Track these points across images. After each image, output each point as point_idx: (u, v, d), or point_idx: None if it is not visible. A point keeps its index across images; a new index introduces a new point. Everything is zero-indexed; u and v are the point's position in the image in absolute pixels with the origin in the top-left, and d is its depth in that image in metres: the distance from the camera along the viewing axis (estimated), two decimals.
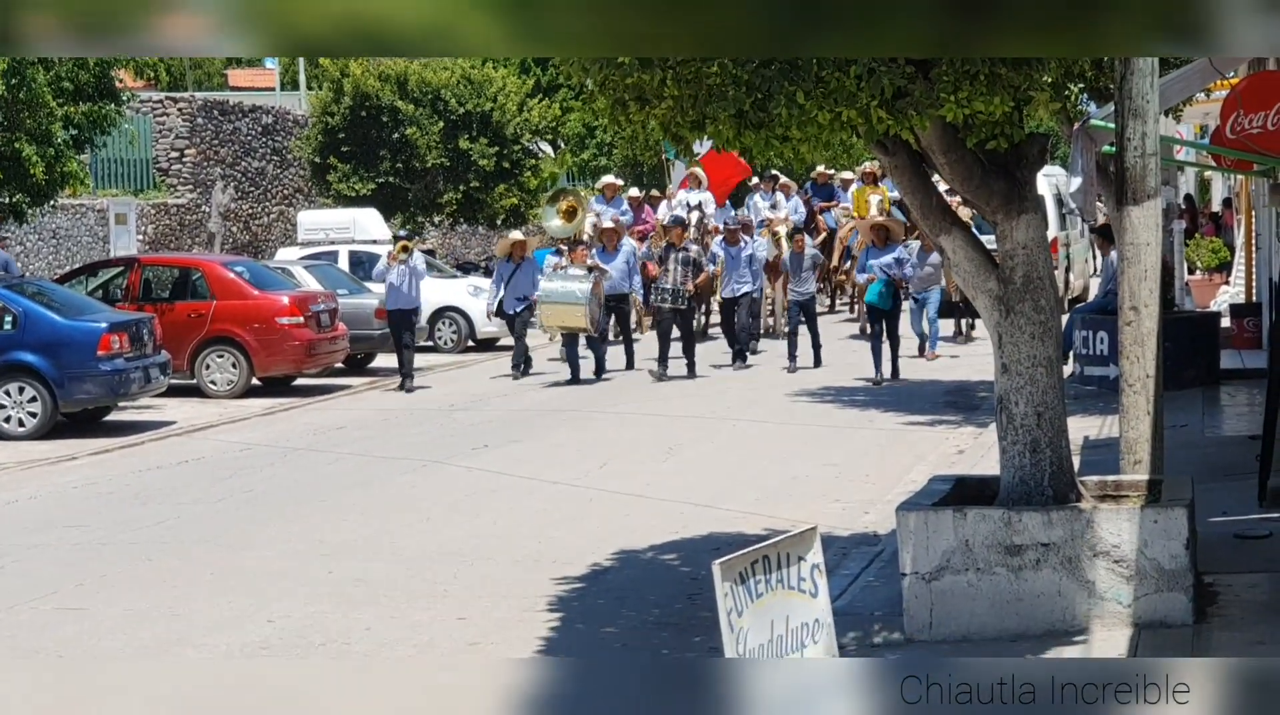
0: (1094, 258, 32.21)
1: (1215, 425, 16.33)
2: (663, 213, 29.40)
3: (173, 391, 21.65)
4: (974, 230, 10.92)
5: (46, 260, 29.95)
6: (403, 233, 24.92)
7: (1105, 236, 20.83)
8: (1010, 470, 9.35)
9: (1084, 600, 8.92)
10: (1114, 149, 13.20)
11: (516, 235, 25.11)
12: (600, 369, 23.49)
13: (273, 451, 17.81)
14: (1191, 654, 8.32)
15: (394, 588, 11.15)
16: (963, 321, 26.59)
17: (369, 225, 30.65)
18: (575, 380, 22.84)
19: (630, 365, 24.46)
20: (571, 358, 23.08)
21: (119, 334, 19.57)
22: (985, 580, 8.99)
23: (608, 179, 32.52)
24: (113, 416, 20.92)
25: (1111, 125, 12.65)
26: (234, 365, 22.82)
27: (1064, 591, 8.93)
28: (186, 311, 22.91)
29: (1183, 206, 29.99)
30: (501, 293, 24.02)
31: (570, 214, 27.42)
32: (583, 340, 23.50)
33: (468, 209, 36.26)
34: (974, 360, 23.10)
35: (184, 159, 36.02)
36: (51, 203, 24.63)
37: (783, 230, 26.74)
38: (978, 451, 15.62)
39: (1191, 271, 29.04)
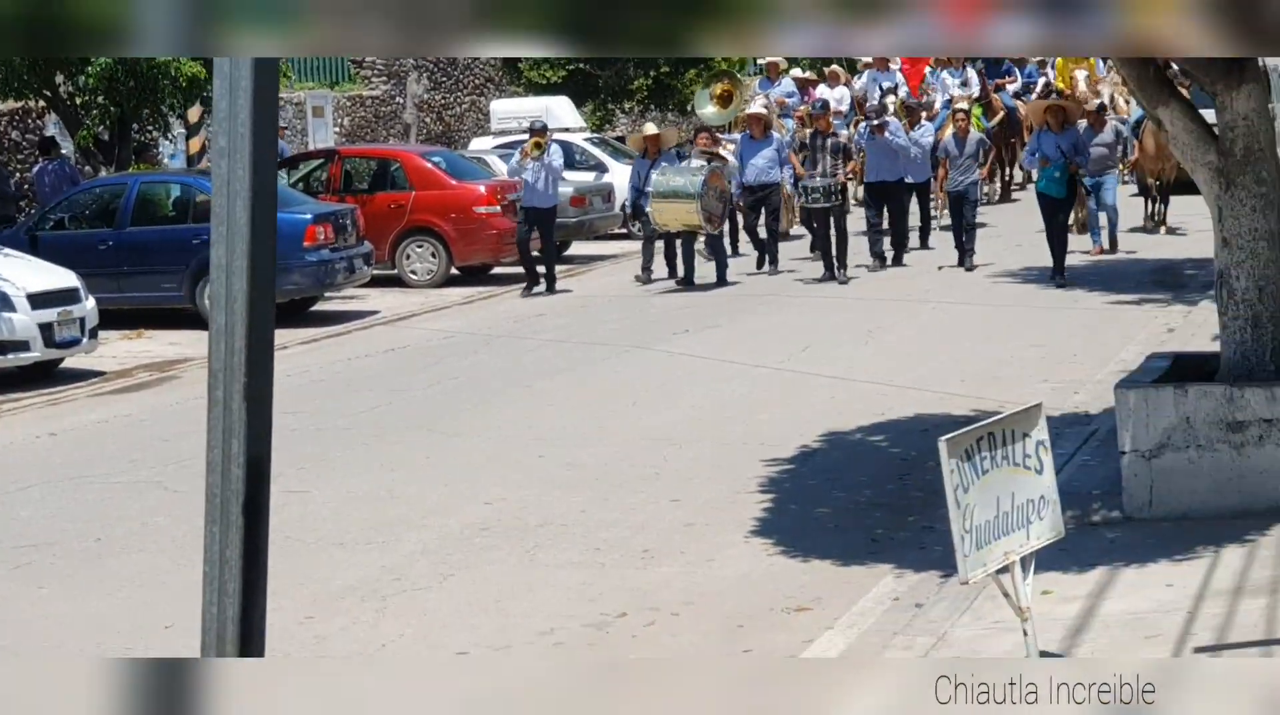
0: None
1: None
2: (858, 88, 28.20)
3: (374, 282, 22.03)
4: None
5: None
6: (538, 124, 22.61)
7: None
8: (1231, 346, 9.20)
9: None
10: None
11: (650, 129, 23.17)
12: (722, 274, 21.09)
13: (475, 339, 18.07)
14: None
15: (605, 471, 11.30)
16: (1154, 208, 23.95)
17: (561, 113, 30.71)
18: (688, 284, 20.83)
19: (774, 262, 21.92)
20: (687, 257, 21.04)
21: (323, 225, 19.93)
22: (1207, 457, 8.89)
23: (771, 58, 29.46)
24: (318, 307, 21.34)
25: None
26: (433, 255, 23.12)
27: None
28: (386, 202, 23.21)
29: None
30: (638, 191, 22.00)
31: (725, 99, 25.59)
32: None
33: (658, 95, 36.14)
34: (1177, 240, 22.62)
35: None
36: None
37: (964, 107, 23.82)
38: (1188, 330, 15.36)
39: None
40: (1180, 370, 9.65)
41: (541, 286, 21.62)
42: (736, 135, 23.46)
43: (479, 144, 30.68)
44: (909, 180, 22.63)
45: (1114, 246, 21.94)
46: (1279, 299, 9.15)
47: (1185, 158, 9.34)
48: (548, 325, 18.79)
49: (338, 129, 33.45)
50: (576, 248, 26.61)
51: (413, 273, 23.15)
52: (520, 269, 22.42)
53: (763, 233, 22.42)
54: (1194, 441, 8.89)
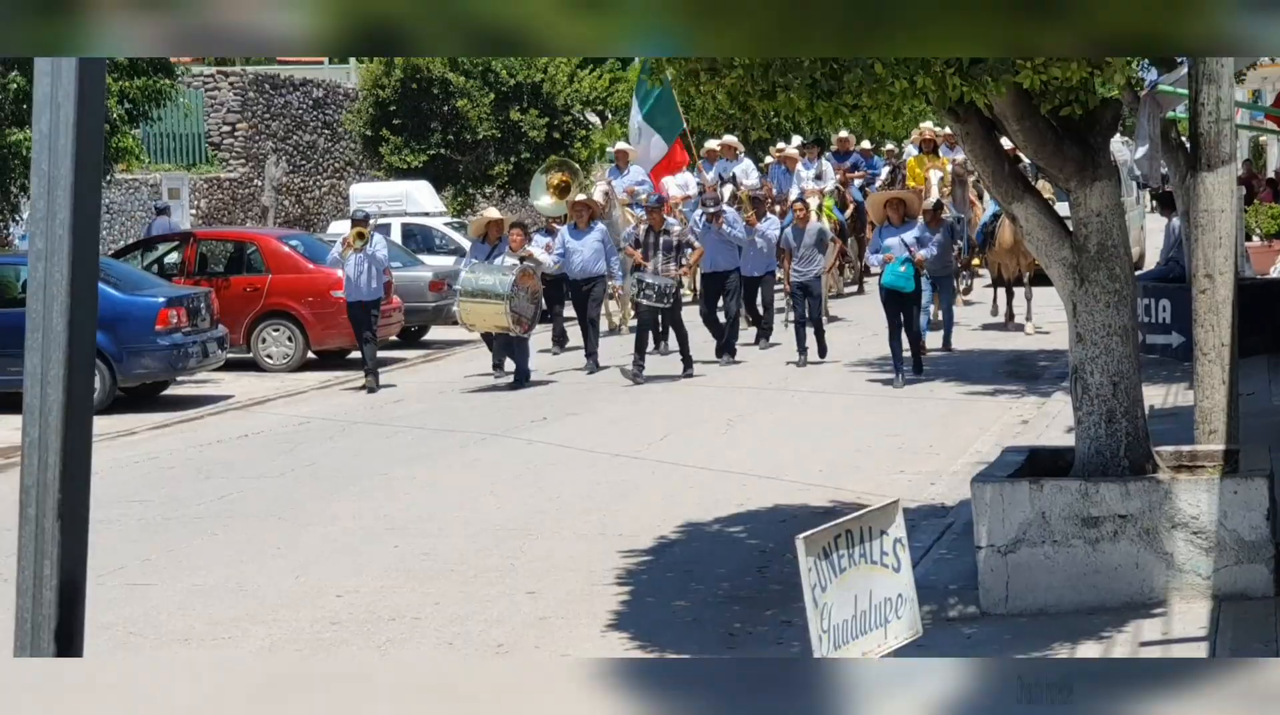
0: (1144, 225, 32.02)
1: None
2: (710, 177, 26.94)
3: (229, 366, 21.71)
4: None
5: (100, 235, 30.01)
6: (359, 214, 21.68)
7: (1166, 203, 20.60)
8: (1086, 441, 9.24)
9: (1162, 572, 8.81)
10: (1180, 115, 13.04)
11: (492, 213, 21.74)
12: (524, 376, 20.06)
13: (331, 425, 17.81)
14: (1274, 626, 8.22)
15: (461, 562, 11.11)
16: (1001, 302, 23.77)
17: (421, 197, 30.65)
18: (518, 383, 19.89)
19: (591, 356, 21.16)
20: (516, 357, 20.07)
21: (177, 309, 19.62)
22: (1062, 553, 8.89)
23: (620, 145, 28.35)
24: (170, 391, 20.97)
25: (1179, 91, 12.52)
26: (290, 339, 22.87)
27: (1142, 564, 8.82)
28: (242, 286, 22.96)
29: (1241, 172, 29.68)
30: None
31: (562, 189, 24.41)
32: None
33: (519, 180, 36.19)
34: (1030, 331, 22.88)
35: (236, 133, 36.11)
36: (106, 178, 24.69)
37: (812, 202, 23.88)
38: (1042, 422, 15.49)
39: (1249, 238, 28.66)
40: (1035, 464, 9.67)
41: (378, 379, 20.57)
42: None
43: (338, 228, 30.44)
44: (753, 273, 22.27)
45: (947, 345, 21.56)
46: (1132, 394, 9.21)
47: (1040, 253, 9.41)
48: (405, 411, 18.57)
49: (194, 211, 33.08)
50: (435, 333, 26.47)
51: (268, 357, 22.87)
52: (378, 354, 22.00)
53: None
54: (1049, 537, 8.90)
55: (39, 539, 2.43)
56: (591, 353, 21.19)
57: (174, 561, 11.51)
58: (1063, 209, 9.80)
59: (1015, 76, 8.02)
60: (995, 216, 22.57)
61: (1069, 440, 10.08)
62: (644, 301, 19.96)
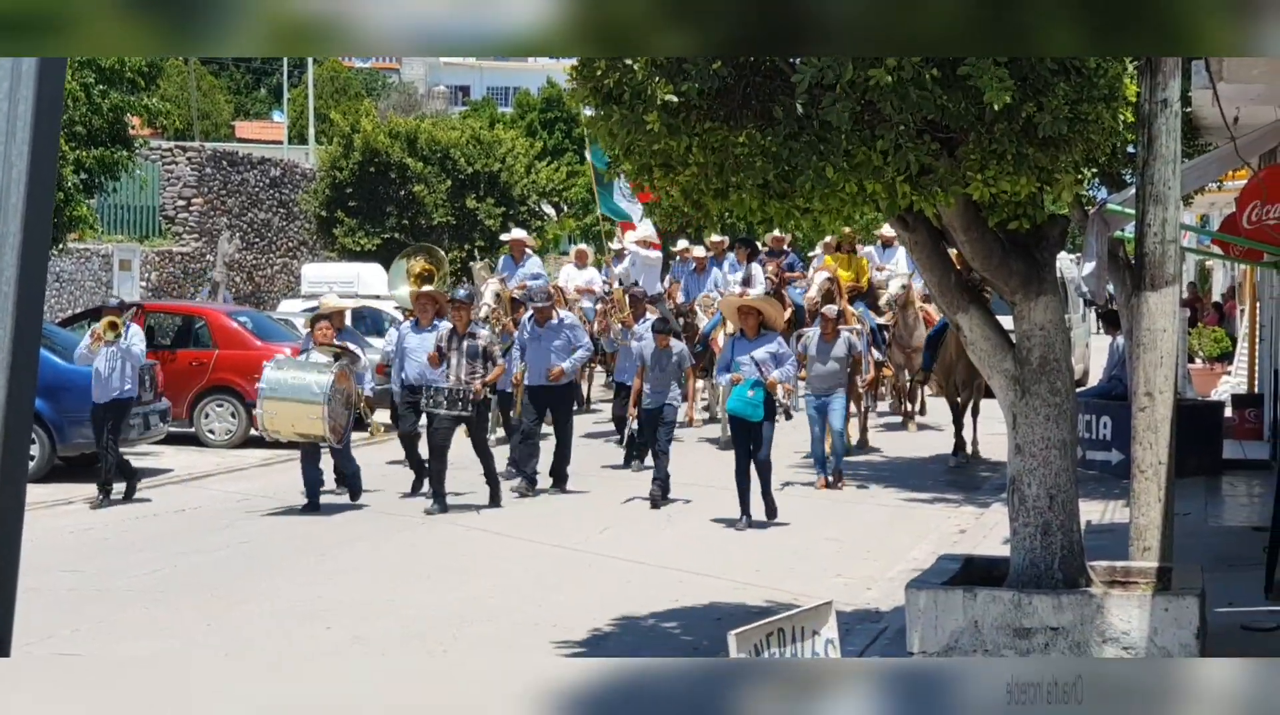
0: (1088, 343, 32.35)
1: (1218, 515, 16.28)
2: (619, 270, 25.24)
3: (170, 439, 21.63)
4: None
5: (49, 303, 29.97)
6: (113, 301, 19.14)
7: (1110, 321, 20.80)
8: (1021, 552, 9.29)
9: None
10: (1128, 234, 13.24)
11: (332, 302, 19.47)
12: (355, 488, 17.63)
13: (270, 503, 17.72)
14: None
15: (391, 648, 11.05)
16: (967, 435, 21.32)
17: (371, 280, 30.67)
18: (313, 507, 17.03)
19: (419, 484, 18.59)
20: (310, 479, 17.13)
21: None
22: None
23: (515, 233, 25.70)
24: None
25: (1127, 211, 12.69)
26: (233, 415, 22.80)
27: None
28: (188, 359, 22.91)
29: (1186, 294, 30.06)
30: None
31: (425, 278, 22.34)
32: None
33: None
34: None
35: (191, 208, 36.12)
36: (59, 246, 24.64)
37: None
38: (979, 531, 15.55)
39: (1192, 360, 28.97)
40: (970, 573, 9.71)
41: (119, 493, 17.88)
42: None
43: (288, 306, 30.47)
44: (629, 382, 19.60)
45: (839, 479, 18.82)
46: (1069, 508, 9.27)
47: (983, 364, 9.49)
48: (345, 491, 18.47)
49: (144, 283, 33.00)
50: (381, 415, 26.35)
51: (210, 432, 22.79)
52: None
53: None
54: (981, 645, 8.92)
55: None
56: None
57: (102, 633, 11.41)
58: (1007, 323, 9.88)
59: (965, 188, 8.12)
60: (941, 330, 20.90)
61: (1005, 551, 10.13)
62: (436, 410, 16.98)
